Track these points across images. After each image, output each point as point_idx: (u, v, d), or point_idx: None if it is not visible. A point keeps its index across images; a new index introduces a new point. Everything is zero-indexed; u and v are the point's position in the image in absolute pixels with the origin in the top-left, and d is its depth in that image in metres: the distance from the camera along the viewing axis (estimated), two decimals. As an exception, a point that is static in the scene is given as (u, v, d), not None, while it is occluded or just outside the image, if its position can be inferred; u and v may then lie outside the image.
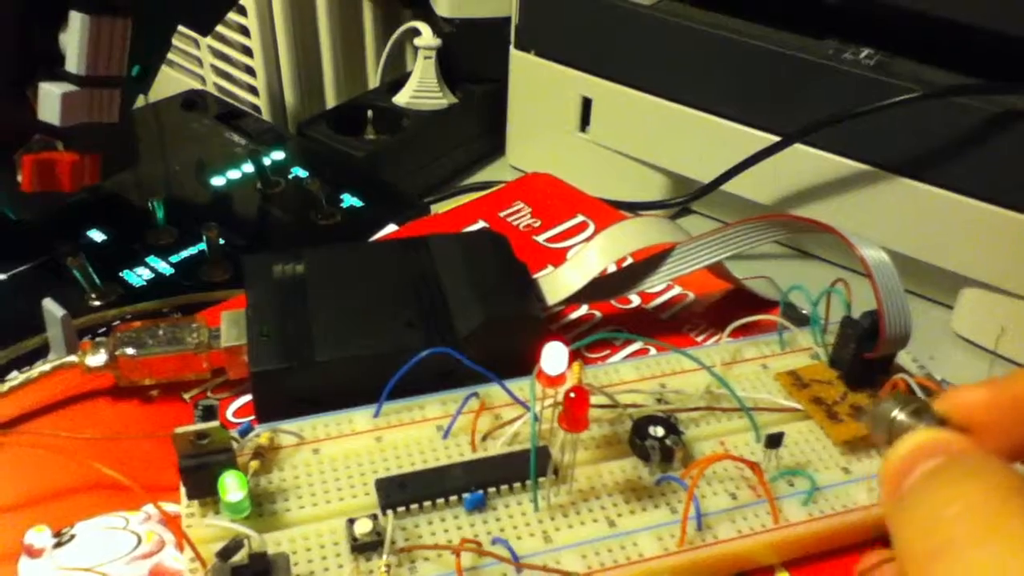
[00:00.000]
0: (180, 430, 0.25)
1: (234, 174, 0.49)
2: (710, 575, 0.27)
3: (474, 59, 0.59)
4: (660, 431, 0.28)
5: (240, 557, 0.24)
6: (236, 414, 0.32)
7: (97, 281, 0.40)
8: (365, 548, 0.25)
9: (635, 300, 0.38)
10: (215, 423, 0.25)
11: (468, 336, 0.31)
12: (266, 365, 0.30)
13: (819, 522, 0.27)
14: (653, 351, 0.35)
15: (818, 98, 0.45)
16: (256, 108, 0.63)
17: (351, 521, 0.25)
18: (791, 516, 0.27)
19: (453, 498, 0.27)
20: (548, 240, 0.42)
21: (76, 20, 0.35)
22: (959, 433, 0.21)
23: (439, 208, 0.48)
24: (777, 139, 0.46)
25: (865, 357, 0.30)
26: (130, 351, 0.31)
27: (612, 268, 0.36)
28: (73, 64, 0.36)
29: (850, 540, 0.27)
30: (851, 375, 0.31)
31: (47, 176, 0.37)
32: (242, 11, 0.59)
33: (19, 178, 0.37)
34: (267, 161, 0.49)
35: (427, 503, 0.26)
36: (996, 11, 0.40)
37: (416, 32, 0.58)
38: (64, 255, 0.40)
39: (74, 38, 0.36)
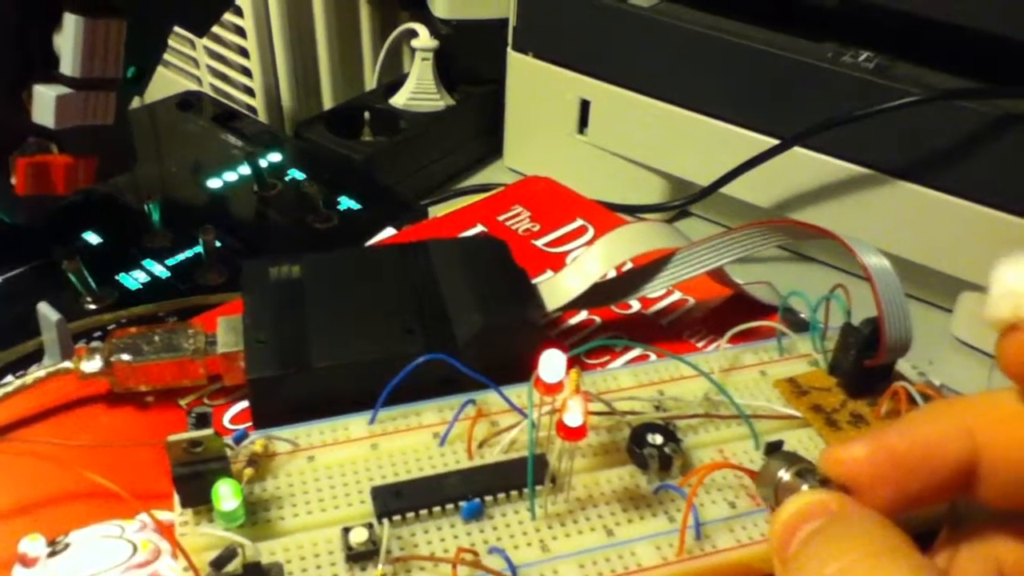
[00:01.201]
0: (173, 438, 0.25)
1: (230, 176, 0.49)
2: (709, 585, 0.26)
3: (471, 61, 0.59)
4: (658, 439, 0.28)
5: (234, 566, 0.24)
6: (232, 421, 0.32)
7: (92, 284, 0.39)
8: (360, 557, 0.25)
9: (635, 305, 0.38)
10: (208, 431, 0.25)
11: (467, 343, 0.31)
12: (263, 372, 0.30)
13: (819, 531, 0.27)
14: (653, 357, 0.35)
15: (817, 101, 0.44)
16: (252, 109, 0.62)
17: (346, 530, 0.25)
18: (790, 525, 0.27)
19: (450, 506, 0.26)
20: (547, 244, 0.42)
21: (70, 22, 0.35)
22: (839, 493, 0.21)
23: (436, 211, 0.48)
24: (776, 142, 0.46)
25: (865, 365, 0.30)
26: (126, 357, 0.31)
27: (612, 273, 0.36)
28: (68, 66, 0.36)
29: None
30: (851, 382, 0.31)
31: (41, 179, 0.37)
32: (238, 12, 0.58)
33: (13, 181, 0.37)
34: (263, 163, 0.49)
35: (423, 511, 0.26)
36: (995, 15, 0.40)
37: (413, 33, 0.58)
38: (59, 258, 0.39)
39: (68, 40, 0.35)
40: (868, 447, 0.22)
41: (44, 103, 0.36)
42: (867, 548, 0.19)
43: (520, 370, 0.27)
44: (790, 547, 0.20)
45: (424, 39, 0.57)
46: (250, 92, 0.62)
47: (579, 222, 0.43)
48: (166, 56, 0.66)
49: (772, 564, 0.26)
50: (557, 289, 0.35)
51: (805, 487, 0.23)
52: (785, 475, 0.23)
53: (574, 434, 0.25)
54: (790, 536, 0.20)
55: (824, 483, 0.22)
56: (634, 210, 0.52)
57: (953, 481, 0.21)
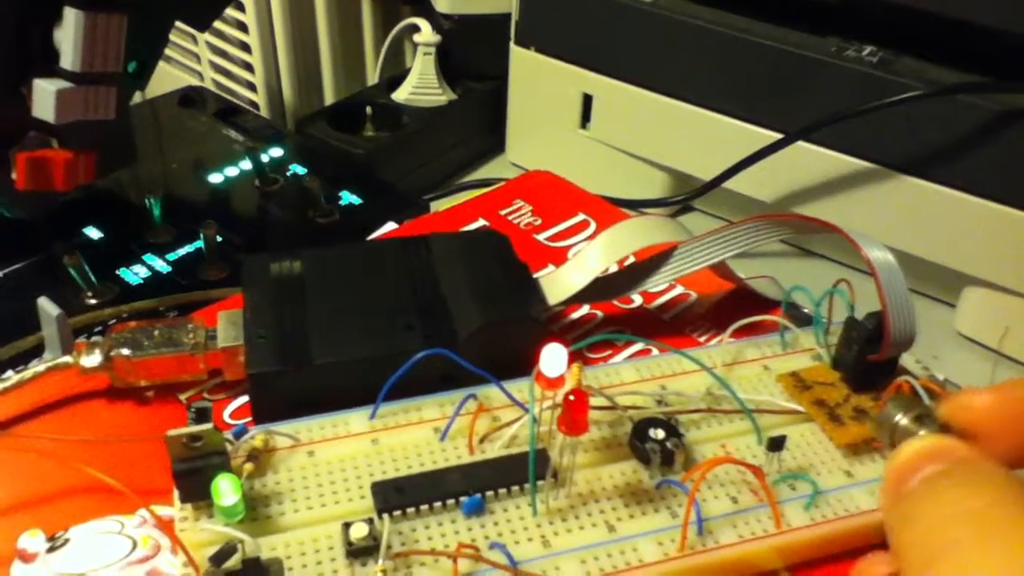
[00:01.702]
0: (173, 433, 0.25)
1: (232, 171, 0.49)
2: (711, 580, 0.26)
3: (474, 55, 0.59)
4: (660, 434, 0.28)
5: (234, 562, 0.24)
6: (233, 416, 0.32)
7: (93, 279, 0.39)
8: (361, 553, 0.25)
9: (637, 300, 0.38)
10: (208, 425, 0.25)
11: (468, 338, 0.31)
12: (263, 367, 0.30)
13: (822, 527, 0.27)
14: (655, 352, 0.34)
15: (820, 95, 0.44)
16: (254, 105, 0.62)
17: (347, 525, 0.25)
18: (793, 520, 0.27)
19: (451, 502, 0.26)
20: (549, 239, 0.42)
21: (71, 16, 0.35)
22: (961, 440, 0.21)
23: (438, 206, 0.48)
24: (779, 136, 0.46)
25: (869, 359, 0.30)
26: (125, 352, 0.31)
27: (614, 268, 0.35)
28: (68, 61, 0.36)
29: (853, 544, 0.27)
30: (854, 377, 0.31)
31: (41, 174, 0.37)
32: (240, 7, 0.58)
33: (13, 176, 0.37)
34: (265, 158, 0.49)
35: (424, 507, 0.26)
36: (1000, 9, 0.40)
37: (415, 28, 0.58)
38: (60, 253, 0.39)
39: (69, 34, 0.35)
40: (999, 395, 0.22)
41: (44, 98, 0.36)
42: (995, 497, 0.19)
43: (522, 365, 0.27)
44: (908, 483, 0.20)
45: (426, 34, 0.57)
46: (252, 87, 0.62)
47: (581, 216, 0.43)
48: (168, 51, 0.66)
49: (772, 558, 0.27)
50: (559, 283, 0.35)
51: (923, 432, 0.23)
52: (903, 420, 0.23)
53: (575, 428, 0.25)
54: (908, 477, 0.20)
55: (943, 429, 0.22)
56: (637, 205, 0.52)
57: None
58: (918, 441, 0.21)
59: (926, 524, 0.19)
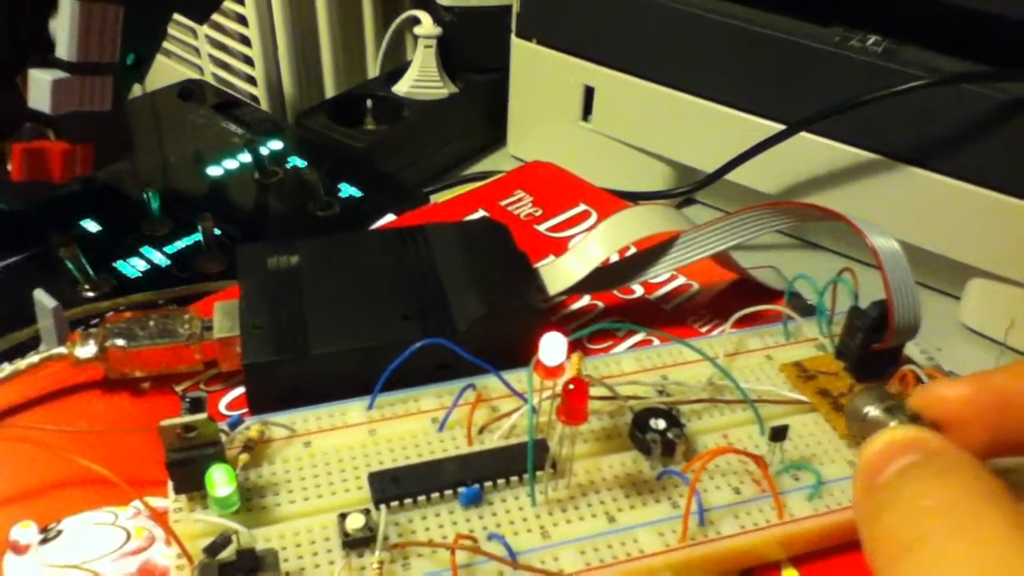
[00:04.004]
0: (166, 423, 0.24)
1: (231, 164, 0.49)
2: (713, 572, 0.26)
3: (475, 48, 0.58)
4: (661, 424, 0.28)
5: (228, 553, 0.23)
6: (229, 407, 0.32)
7: (90, 272, 0.39)
8: (357, 544, 0.24)
9: (638, 290, 0.38)
10: (202, 415, 0.24)
11: (467, 328, 0.31)
12: (259, 357, 0.30)
13: (825, 517, 0.26)
14: (656, 342, 0.34)
15: (824, 85, 0.44)
16: (254, 98, 0.62)
17: (343, 516, 0.25)
18: (796, 511, 0.26)
19: (448, 492, 0.26)
20: (549, 229, 0.41)
21: (66, 5, 0.35)
22: (934, 431, 0.21)
23: (439, 199, 0.47)
24: (782, 127, 0.45)
25: (873, 349, 0.29)
26: (120, 343, 0.31)
27: (615, 258, 0.35)
28: (64, 51, 0.35)
29: (857, 535, 0.27)
30: (858, 366, 0.30)
31: (37, 165, 0.36)
32: (240, 0, 0.58)
33: (9, 167, 0.37)
34: (264, 151, 0.49)
35: (421, 498, 0.26)
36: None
37: (416, 21, 0.57)
38: (57, 245, 0.39)
39: (64, 24, 0.35)
40: (974, 386, 0.22)
41: (40, 88, 0.35)
42: (969, 488, 0.18)
43: (521, 355, 0.27)
44: (881, 475, 0.20)
45: (427, 26, 0.57)
46: (252, 81, 0.62)
47: (582, 207, 0.43)
48: (167, 45, 0.65)
49: (774, 549, 0.26)
50: (559, 274, 0.34)
51: (893, 423, 0.22)
52: (873, 410, 0.23)
53: (575, 418, 0.24)
54: (880, 468, 0.20)
55: (914, 420, 0.22)
56: (639, 197, 0.51)
57: None
58: (890, 432, 0.21)
59: (898, 516, 0.19)
